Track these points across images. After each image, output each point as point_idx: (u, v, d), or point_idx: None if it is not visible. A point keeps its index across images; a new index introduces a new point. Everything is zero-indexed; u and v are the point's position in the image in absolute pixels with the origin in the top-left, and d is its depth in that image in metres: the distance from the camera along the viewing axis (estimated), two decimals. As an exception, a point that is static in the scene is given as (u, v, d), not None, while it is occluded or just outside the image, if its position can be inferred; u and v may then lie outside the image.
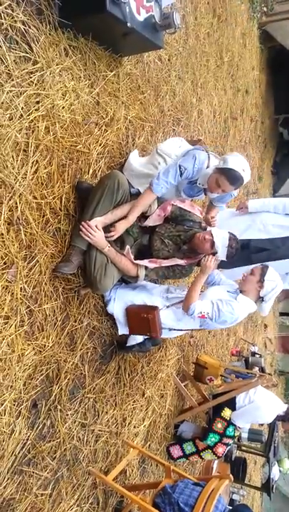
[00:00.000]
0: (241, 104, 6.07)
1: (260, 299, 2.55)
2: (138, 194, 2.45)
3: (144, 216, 2.41)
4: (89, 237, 2.12)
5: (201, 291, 2.64)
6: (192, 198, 2.68)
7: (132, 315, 2.50)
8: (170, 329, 2.62)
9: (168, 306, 2.57)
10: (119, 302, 2.52)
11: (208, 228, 2.48)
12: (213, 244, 2.35)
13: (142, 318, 2.45)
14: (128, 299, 2.54)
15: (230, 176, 2.33)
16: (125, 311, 2.51)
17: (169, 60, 3.48)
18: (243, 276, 2.59)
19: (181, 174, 2.38)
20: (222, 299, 2.46)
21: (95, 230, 2.13)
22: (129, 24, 2.17)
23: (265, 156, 7.96)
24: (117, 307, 2.51)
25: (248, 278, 2.54)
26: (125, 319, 2.53)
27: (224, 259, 2.38)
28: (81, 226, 2.12)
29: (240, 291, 2.56)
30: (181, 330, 2.67)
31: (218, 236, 2.34)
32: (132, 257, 2.34)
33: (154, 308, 2.48)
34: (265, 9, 7.84)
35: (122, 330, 2.57)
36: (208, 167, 2.43)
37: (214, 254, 2.38)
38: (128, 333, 2.58)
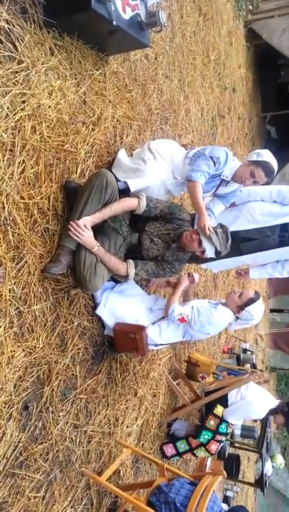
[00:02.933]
0: (228, 102, 6.08)
1: (235, 316, 2.72)
2: (125, 189, 2.47)
3: (133, 215, 2.40)
4: (78, 236, 2.10)
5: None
6: (205, 192, 2.68)
7: (120, 334, 2.55)
8: (156, 344, 2.67)
9: (154, 323, 2.61)
10: (108, 310, 2.53)
11: (196, 226, 2.49)
12: (200, 243, 2.35)
13: (130, 338, 2.52)
14: (118, 309, 2.54)
15: (267, 169, 2.54)
16: (113, 329, 2.56)
17: (155, 58, 3.48)
18: (230, 292, 2.77)
19: (214, 164, 2.52)
20: (202, 305, 2.61)
21: (83, 229, 2.11)
22: (114, 22, 2.15)
23: (253, 154, 8.00)
24: (106, 314, 2.53)
25: (233, 297, 2.70)
26: (112, 327, 2.55)
27: (213, 256, 2.39)
28: (69, 226, 2.11)
29: (222, 303, 2.70)
30: (166, 344, 2.73)
31: (204, 236, 2.34)
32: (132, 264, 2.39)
33: (141, 329, 2.54)
34: (250, 7, 7.87)
35: (109, 332, 2.60)
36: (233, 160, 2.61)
37: (203, 252, 2.38)
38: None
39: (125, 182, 2.46)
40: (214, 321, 2.57)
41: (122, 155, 2.65)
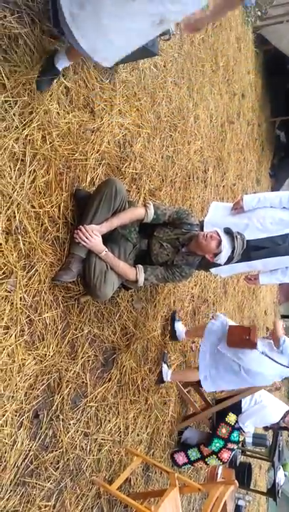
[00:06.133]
0: (238, 108, 6.08)
1: None
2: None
3: (142, 223, 2.41)
4: (85, 241, 2.10)
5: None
6: None
7: (235, 334, 3.01)
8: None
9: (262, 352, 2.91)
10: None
11: (208, 229, 2.47)
12: (219, 243, 2.31)
13: (244, 339, 2.94)
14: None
15: None
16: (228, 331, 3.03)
17: (164, 66, 3.49)
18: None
19: None
20: None
21: (91, 234, 2.11)
22: (123, 32, 2.16)
23: (263, 159, 7.97)
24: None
25: None
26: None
27: (222, 263, 2.36)
28: (76, 231, 2.11)
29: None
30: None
31: (224, 237, 2.32)
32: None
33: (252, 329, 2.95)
34: (259, 13, 7.88)
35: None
36: None
37: (216, 254, 2.34)
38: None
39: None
40: None
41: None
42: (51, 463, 2.09)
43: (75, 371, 2.26)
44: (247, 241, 2.54)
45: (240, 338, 2.93)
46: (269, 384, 3.14)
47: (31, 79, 1.96)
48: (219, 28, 5.30)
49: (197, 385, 3.70)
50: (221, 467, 3.95)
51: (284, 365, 2.83)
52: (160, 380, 3.21)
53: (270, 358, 2.85)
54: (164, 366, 3.23)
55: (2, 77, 1.82)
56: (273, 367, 2.85)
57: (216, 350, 3.06)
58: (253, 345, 2.89)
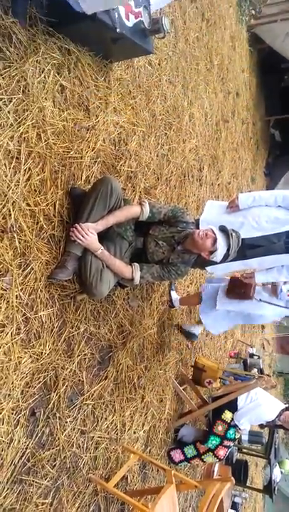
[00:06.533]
0: (232, 107, 6.10)
1: None
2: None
3: (138, 222, 2.41)
4: (80, 239, 2.10)
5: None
6: None
7: (232, 286, 3.18)
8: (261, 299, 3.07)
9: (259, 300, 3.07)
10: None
11: (203, 227, 2.48)
12: (215, 241, 2.32)
13: (240, 292, 3.11)
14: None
15: None
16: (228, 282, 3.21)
17: (159, 64, 3.50)
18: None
19: None
20: None
21: (87, 232, 2.11)
22: (118, 30, 2.18)
23: (258, 158, 8.00)
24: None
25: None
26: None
27: (218, 261, 2.37)
28: (72, 229, 2.11)
29: None
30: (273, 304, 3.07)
31: (220, 235, 2.33)
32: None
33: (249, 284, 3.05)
34: (253, 12, 7.91)
35: None
36: None
37: (212, 252, 2.36)
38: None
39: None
40: None
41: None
42: (48, 461, 2.09)
43: (71, 369, 2.26)
44: (242, 239, 2.55)
45: (238, 291, 3.11)
46: (271, 321, 3.39)
47: (25, 76, 1.95)
48: (214, 27, 5.31)
49: (193, 382, 3.72)
50: (217, 464, 3.97)
51: (283, 307, 3.00)
52: (170, 306, 3.60)
53: (269, 302, 3.00)
54: (173, 293, 3.60)
55: (-3, 74, 1.82)
56: (273, 308, 3.01)
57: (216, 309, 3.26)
58: (248, 298, 3.05)
